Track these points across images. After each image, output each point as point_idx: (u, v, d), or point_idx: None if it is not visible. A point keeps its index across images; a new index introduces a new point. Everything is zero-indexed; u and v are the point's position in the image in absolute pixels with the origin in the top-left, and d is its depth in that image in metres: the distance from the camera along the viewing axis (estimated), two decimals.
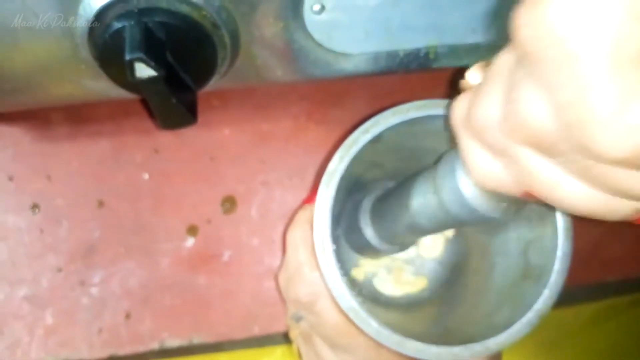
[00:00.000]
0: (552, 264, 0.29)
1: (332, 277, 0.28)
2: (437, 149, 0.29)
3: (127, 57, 0.25)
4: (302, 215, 0.33)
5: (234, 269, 0.41)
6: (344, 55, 0.32)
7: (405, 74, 0.34)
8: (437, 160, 0.26)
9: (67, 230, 0.40)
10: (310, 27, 0.30)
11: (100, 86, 0.31)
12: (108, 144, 0.41)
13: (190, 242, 0.41)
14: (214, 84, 0.30)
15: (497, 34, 0.31)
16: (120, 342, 0.39)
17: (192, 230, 0.41)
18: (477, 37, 0.32)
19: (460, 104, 0.21)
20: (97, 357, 0.39)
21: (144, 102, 0.40)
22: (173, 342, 0.40)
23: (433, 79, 0.41)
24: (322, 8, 0.29)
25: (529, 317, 0.28)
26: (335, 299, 0.28)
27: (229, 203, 0.41)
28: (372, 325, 0.28)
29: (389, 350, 0.28)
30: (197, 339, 0.40)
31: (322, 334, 0.31)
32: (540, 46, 0.14)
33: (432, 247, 0.39)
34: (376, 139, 0.29)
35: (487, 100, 0.18)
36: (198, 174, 0.41)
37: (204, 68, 0.29)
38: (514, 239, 0.33)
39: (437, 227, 0.28)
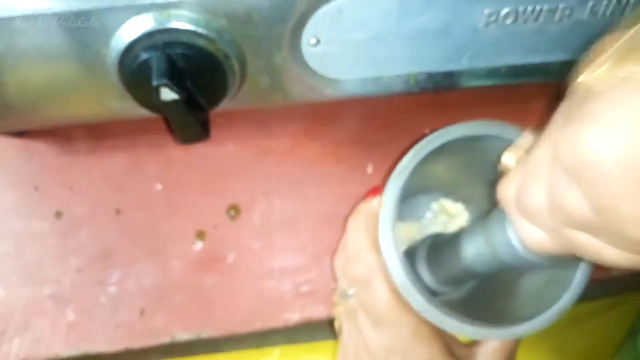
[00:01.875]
0: (574, 273, 0.31)
1: (391, 256, 0.30)
2: (484, 166, 0.31)
3: (155, 82, 0.27)
4: (365, 207, 0.35)
5: (238, 270, 0.42)
6: (336, 81, 0.34)
7: (390, 97, 0.36)
8: (487, 215, 0.29)
9: (88, 235, 0.41)
10: (307, 57, 0.32)
11: (123, 106, 0.33)
12: (125, 157, 0.43)
13: (198, 245, 0.42)
14: (223, 105, 0.32)
15: (468, 63, 0.34)
16: (135, 336, 0.40)
17: (201, 235, 0.42)
18: (450, 65, 0.34)
19: (509, 187, 0.24)
20: (114, 350, 0.40)
21: (164, 121, 0.41)
22: (183, 336, 0.41)
23: (415, 101, 0.44)
24: (318, 42, 0.31)
25: (550, 313, 0.30)
26: (391, 275, 0.30)
27: (234, 210, 0.42)
28: (418, 300, 0.30)
29: (428, 332, 0.31)
30: (204, 334, 0.41)
31: (370, 310, 0.33)
32: (578, 166, 0.19)
33: None
34: (441, 148, 0.31)
35: (533, 191, 0.22)
36: (206, 184, 0.43)
37: (217, 92, 0.31)
38: None
39: (489, 271, 0.30)
